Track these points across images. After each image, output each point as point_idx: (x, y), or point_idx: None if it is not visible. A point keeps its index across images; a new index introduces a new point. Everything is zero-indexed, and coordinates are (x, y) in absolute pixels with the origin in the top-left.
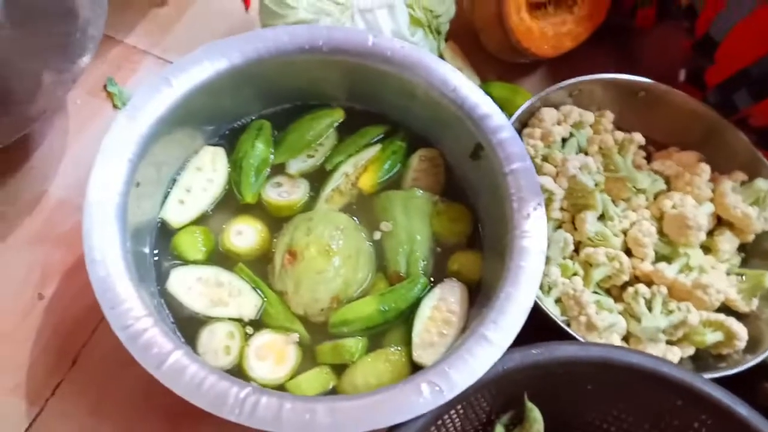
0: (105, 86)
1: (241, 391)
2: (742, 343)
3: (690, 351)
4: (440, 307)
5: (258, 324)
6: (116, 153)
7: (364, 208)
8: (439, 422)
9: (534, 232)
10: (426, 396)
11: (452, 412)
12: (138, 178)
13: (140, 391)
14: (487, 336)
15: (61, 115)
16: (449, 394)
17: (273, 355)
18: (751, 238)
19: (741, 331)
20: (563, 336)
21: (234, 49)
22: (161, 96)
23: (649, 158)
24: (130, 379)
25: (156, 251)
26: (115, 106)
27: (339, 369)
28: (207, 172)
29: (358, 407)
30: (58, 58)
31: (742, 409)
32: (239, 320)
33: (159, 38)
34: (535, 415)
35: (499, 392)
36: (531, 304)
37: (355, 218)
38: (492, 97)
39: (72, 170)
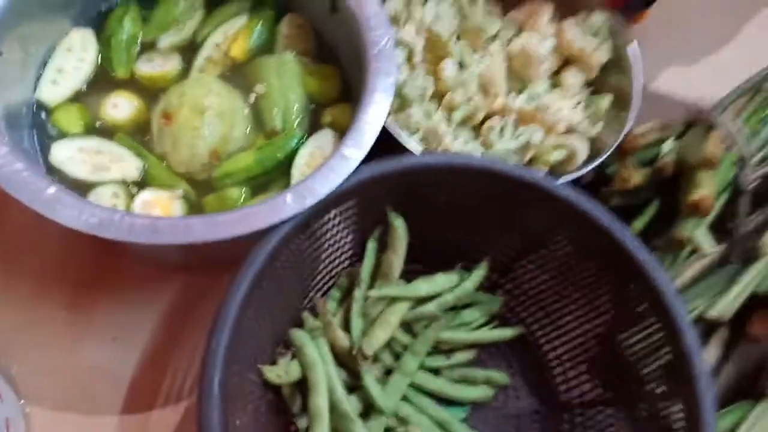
0: None
1: (118, 215)
2: (582, 157)
3: (544, 170)
4: (315, 154)
5: (142, 184)
6: None
7: (238, 76)
8: (311, 233)
9: (383, 67)
10: (290, 203)
11: (323, 223)
12: (4, 59)
13: (41, 267)
14: (344, 154)
15: None
16: (311, 200)
17: (158, 209)
18: (594, 73)
19: (581, 146)
20: None
21: None
22: None
23: (506, 8)
24: (34, 257)
25: (35, 130)
26: None
27: None
28: (77, 53)
29: (230, 217)
30: None
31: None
32: (124, 182)
33: None
34: (397, 222)
35: (366, 209)
36: (379, 129)
37: (229, 84)
38: None
39: None
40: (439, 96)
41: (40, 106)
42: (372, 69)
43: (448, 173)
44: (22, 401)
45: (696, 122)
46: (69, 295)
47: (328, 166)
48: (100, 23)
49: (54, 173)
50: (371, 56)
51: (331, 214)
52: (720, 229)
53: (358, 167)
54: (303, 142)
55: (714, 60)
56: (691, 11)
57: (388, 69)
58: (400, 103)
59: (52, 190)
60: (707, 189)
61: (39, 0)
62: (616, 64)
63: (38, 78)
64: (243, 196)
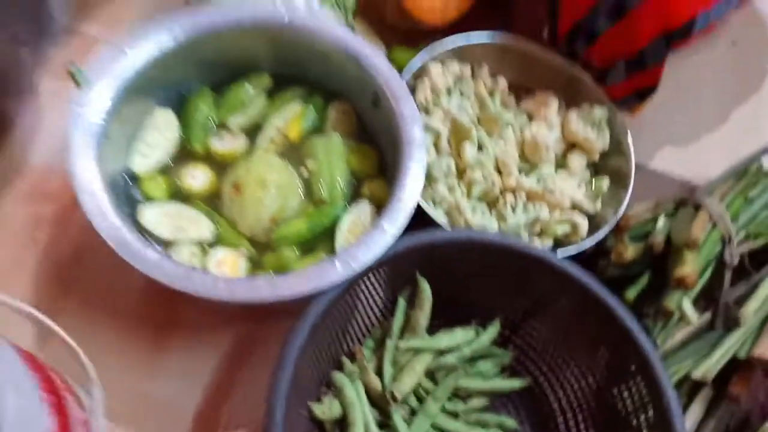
0: (68, 69)
1: (205, 276)
2: (584, 232)
3: (549, 242)
4: (355, 221)
5: (214, 244)
6: (90, 118)
7: (293, 154)
8: (352, 291)
9: (416, 155)
10: (339, 269)
11: (362, 283)
12: (109, 137)
13: (127, 307)
14: (384, 227)
15: (32, 95)
16: (356, 267)
17: (227, 266)
18: (596, 156)
19: (582, 222)
20: None
21: (176, 27)
22: (120, 68)
23: (519, 99)
24: (119, 301)
25: (128, 194)
26: (77, 85)
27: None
28: (162, 130)
29: (291, 279)
30: (31, 36)
31: (573, 269)
32: (199, 242)
33: (112, 27)
34: (424, 285)
35: (398, 273)
36: (414, 205)
37: (285, 161)
38: (395, 61)
39: (49, 139)
40: (461, 174)
41: (132, 175)
42: (405, 154)
43: (468, 247)
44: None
45: (686, 202)
46: (149, 333)
47: (370, 237)
48: (180, 105)
49: (142, 232)
50: (405, 144)
51: (369, 276)
52: (707, 297)
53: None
54: (345, 211)
55: (707, 141)
56: (688, 97)
57: (420, 156)
58: (428, 180)
59: (154, 256)
60: (691, 267)
61: (137, 89)
62: (616, 148)
63: (130, 151)
64: (295, 254)
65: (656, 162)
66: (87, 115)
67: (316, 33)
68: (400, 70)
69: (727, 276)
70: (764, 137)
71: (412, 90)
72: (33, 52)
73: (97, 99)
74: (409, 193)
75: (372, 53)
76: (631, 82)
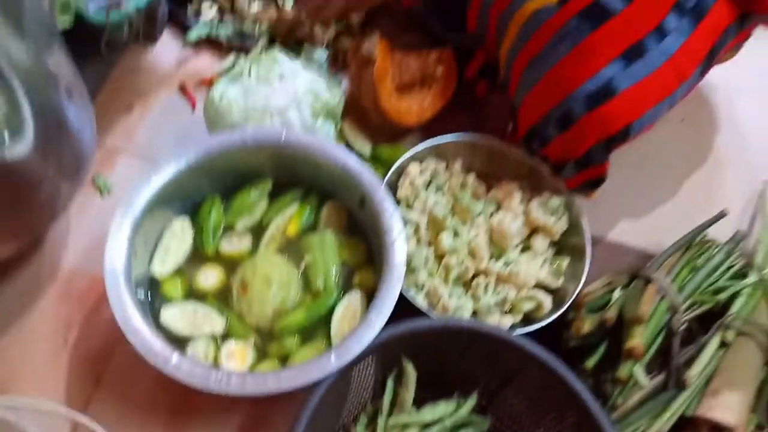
0: (93, 180)
1: (219, 374)
2: (548, 308)
3: (519, 317)
4: (348, 308)
5: (225, 336)
6: (119, 235)
7: (292, 249)
8: (347, 377)
9: (398, 251)
10: (334, 361)
11: (355, 369)
12: (134, 249)
13: (148, 394)
14: (371, 320)
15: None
16: (348, 358)
17: (237, 356)
18: (557, 237)
19: (546, 299)
20: None
21: (191, 152)
22: (144, 191)
23: (490, 187)
24: (141, 389)
25: (150, 296)
26: (101, 194)
27: (283, 360)
28: (178, 236)
29: (293, 373)
30: (73, 170)
31: (532, 347)
32: (212, 336)
33: (129, 138)
34: (408, 368)
35: (386, 357)
36: (396, 298)
37: (285, 256)
38: (380, 156)
39: (79, 245)
40: (438, 259)
41: (152, 278)
42: (388, 249)
43: (445, 332)
44: None
45: (638, 275)
46: (165, 416)
47: (360, 330)
48: (193, 211)
49: (161, 329)
50: (389, 239)
51: (361, 363)
52: (661, 359)
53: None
54: (339, 301)
55: (660, 213)
56: (641, 172)
57: (401, 253)
58: (410, 268)
59: (175, 359)
60: (639, 340)
61: (158, 204)
62: (574, 229)
63: (151, 257)
64: (296, 344)
65: (614, 234)
66: (117, 230)
67: (310, 147)
68: (384, 164)
69: (675, 342)
70: (713, 207)
71: (395, 186)
72: (73, 182)
73: (126, 216)
74: (393, 284)
75: (357, 163)
76: (581, 176)
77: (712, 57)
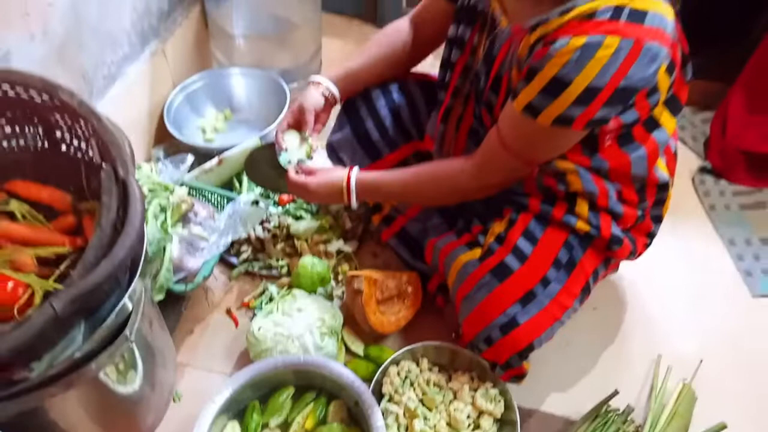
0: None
1: None
2: None
3: None
4: None
5: None
6: None
7: None
8: None
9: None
10: None
11: None
12: None
13: None
14: None
15: None
16: None
17: None
18: (498, 416)
19: None
20: None
21: (243, 376)
22: (211, 407)
23: (450, 378)
24: None
25: None
26: (174, 401)
27: None
28: None
29: None
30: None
31: None
32: None
33: (192, 355)
34: None
35: None
36: None
37: None
38: (370, 356)
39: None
40: None
41: None
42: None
43: None
44: None
45: None
46: None
47: None
48: (240, 415)
49: None
50: (374, 425)
51: None
52: None
53: None
54: None
55: (580, 386)
56: (564, 354)
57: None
58: None
59: None
60: None
61: (220, 413)
62: (509, 408)
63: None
64: None
65: (545, 406)
66: None
67: (320, 365)
68: (373, 361)
69: None
70: (623, 377)
71: (382, 382)
72: (166, 398)
73: (200, 428)
74: None
75: (351, 375)
76: (508, 374)
77: (587, 290)
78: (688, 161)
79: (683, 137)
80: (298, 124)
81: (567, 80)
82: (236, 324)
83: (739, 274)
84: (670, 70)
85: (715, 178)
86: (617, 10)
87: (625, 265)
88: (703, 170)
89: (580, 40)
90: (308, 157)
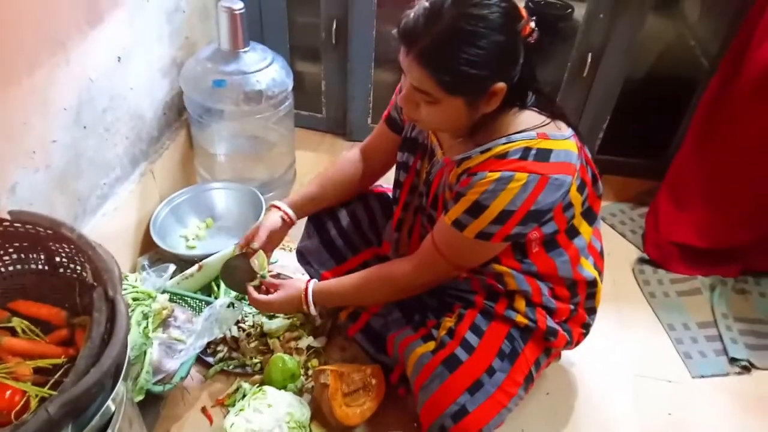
0: None
1: None
2: None
3: None
4: None
5: None
6: None
7: None
8: None
9: None
10: None
11: None
12: None
13: None
14: None
15: None
16: None
17: None
18: None
19: None
20: None
21: None
22: None
23: None
24: None
25: None
26: None
27: None
28: None
29: None
30: None
31: None
32: None
33: None
34: None
35: None
36: None
37: None
38: None
39: None
40: None
41: None
42: None
43: None
44: None
45: None
46: None
47: None
48: None
49: None
50: None
51: None
52: None
53: None
54: None
55: None
56: None
57: None
58: None
59: None
60: None
61: None
62: None
63: None
64: None
65: None
66: None
67: None
68: None
69: None
70: None
71: None
72: None
73: None
74: None
75: None
76: None
77: (530, 379)
78: (628, 253)
79: (623, 231)
80: (252, 239)
81: (485, 204)
82: (211, 422)
83: (678, 356)
84: (581, 189)
85: (654, 267)
86: (525, 151)
87: (573, 351)
88: (641, 261)
89: (495, 175)
90: (261, 268)
